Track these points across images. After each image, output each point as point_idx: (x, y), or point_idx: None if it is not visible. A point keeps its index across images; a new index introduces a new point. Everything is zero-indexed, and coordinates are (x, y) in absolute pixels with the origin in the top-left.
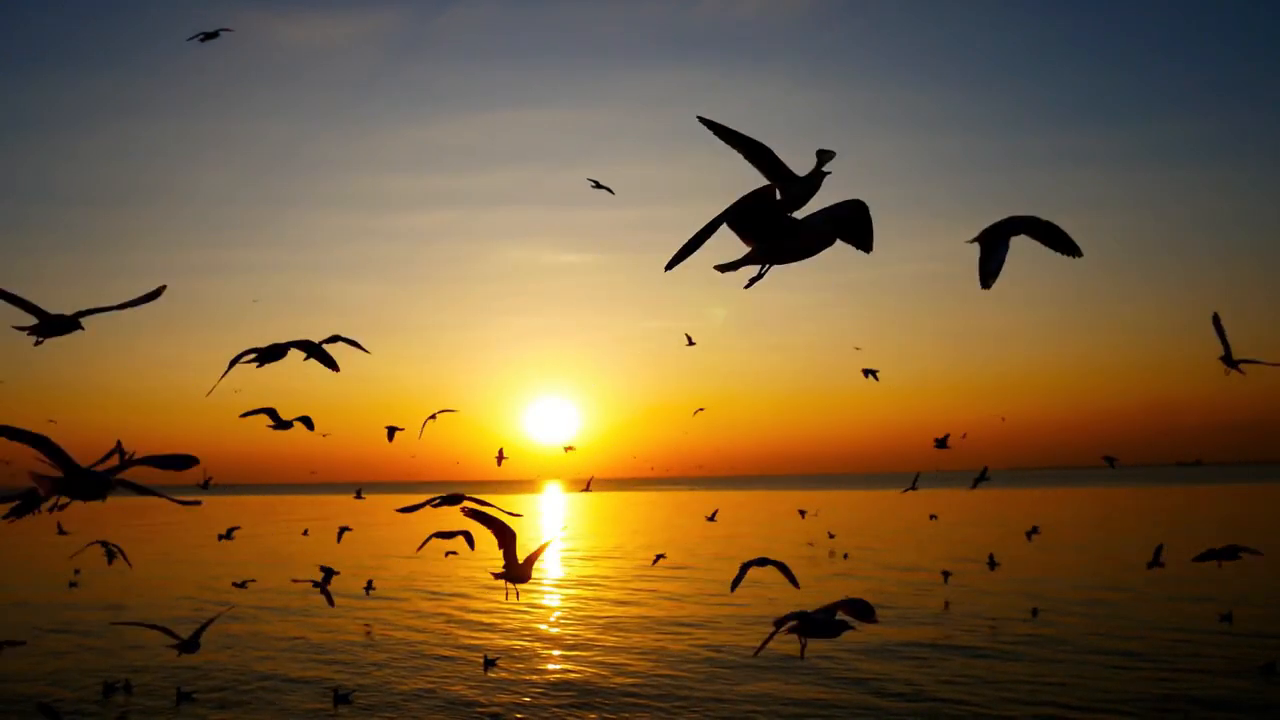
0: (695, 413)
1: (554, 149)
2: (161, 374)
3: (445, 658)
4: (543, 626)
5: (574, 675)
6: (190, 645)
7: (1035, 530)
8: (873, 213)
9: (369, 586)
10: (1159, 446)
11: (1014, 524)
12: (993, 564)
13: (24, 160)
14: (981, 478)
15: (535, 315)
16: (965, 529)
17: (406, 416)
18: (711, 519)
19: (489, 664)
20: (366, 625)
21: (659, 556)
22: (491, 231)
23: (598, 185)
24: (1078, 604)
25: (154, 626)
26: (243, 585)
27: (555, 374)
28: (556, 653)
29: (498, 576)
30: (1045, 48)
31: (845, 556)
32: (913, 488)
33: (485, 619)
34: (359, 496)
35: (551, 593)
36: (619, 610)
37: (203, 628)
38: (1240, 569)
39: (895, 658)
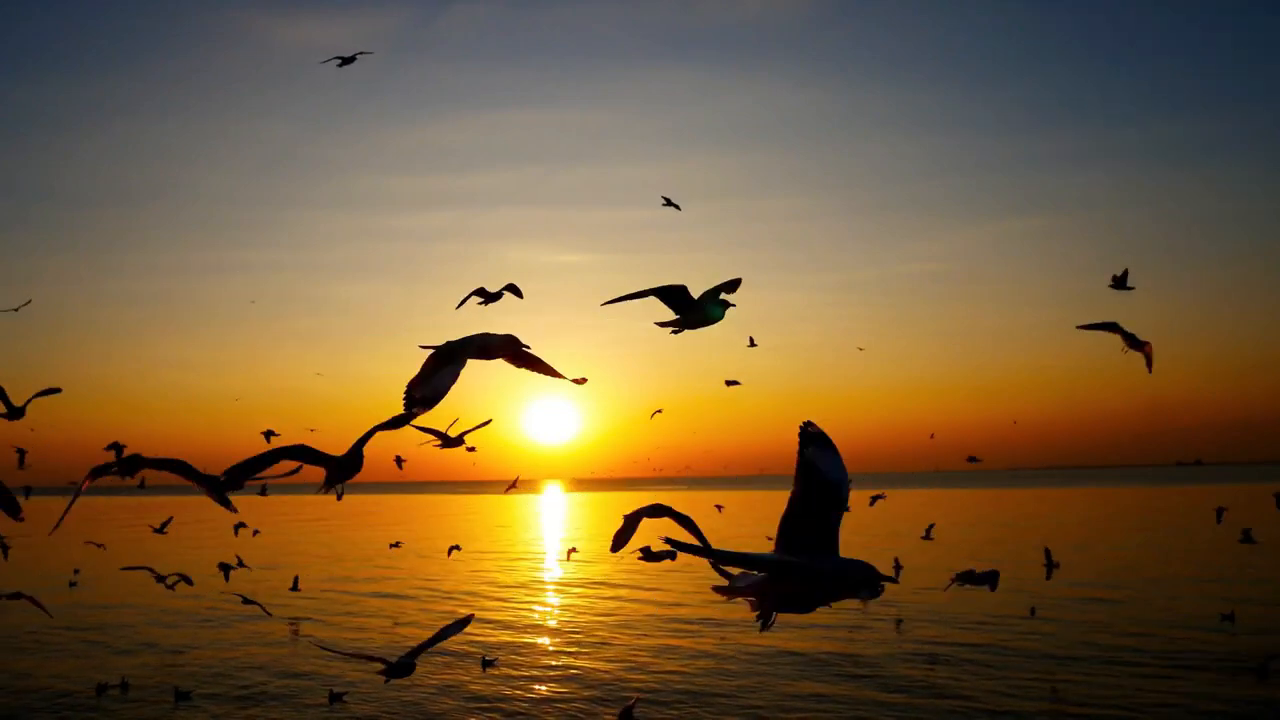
0: (653, 414)
1: (554, 149)
2: (162, 374)
3: (445, 657)
4: (551, 624)
5: (576, 674)
6: (403, 668)
7: (930, 531)
8: (874, 213)
9: (294, 585)
10: (1159, 446)
11: (1014, 524)
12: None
13: (24, 160)
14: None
15: (535, 315)
16: (963, 529)
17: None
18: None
19: (488, 664)
20: (293, 623)
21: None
22: (491, 231)
23: (668, 203)
24: (1076, 603)
25: (364, 656)
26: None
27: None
28: (559, 651)
29: (721, 591)
30: (1045, 48)
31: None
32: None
33: (490, 618)
34: (263, 493)
35: (553, 593)
36: (624, 609)
37: (420, 648)
38: (1243, 568)
39: (895, 655)
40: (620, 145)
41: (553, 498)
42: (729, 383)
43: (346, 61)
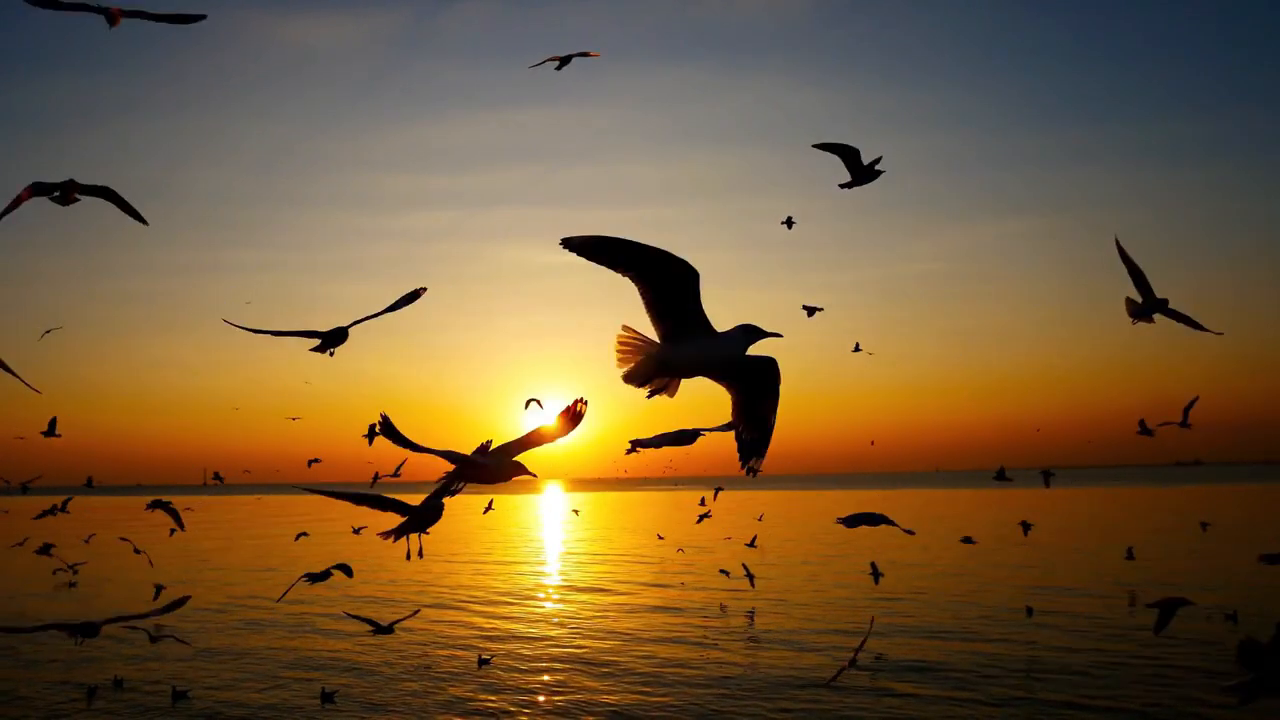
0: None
1: (554, 149)
2: (157, 374)
3: (442, 654)
4: (551, 622)
5: (572, 672)
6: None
7: (754, 541)
8: (877, 213)
9: (158, 590)
10: (1159, 446)
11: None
12: (876, 575)
13: (17, 159)
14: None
15: (535, 315)
16: (963, 530)
17: (406, 417)
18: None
19: (483, 663)
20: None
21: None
22: (490, 231)
23: (789, 222)
24: (1076, 600)
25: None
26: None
27: (555, 374)
28: (555, 650)
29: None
30: (1048, 47)
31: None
32: (719, 490)
33: (488, 619)
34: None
35: (549, 593)
36: (621, 610)
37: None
38: (1246, 567)
39: (895, 659)
40: (620, 145)
41: (550, 497)
42: (529, 401)
43: (564, 62)
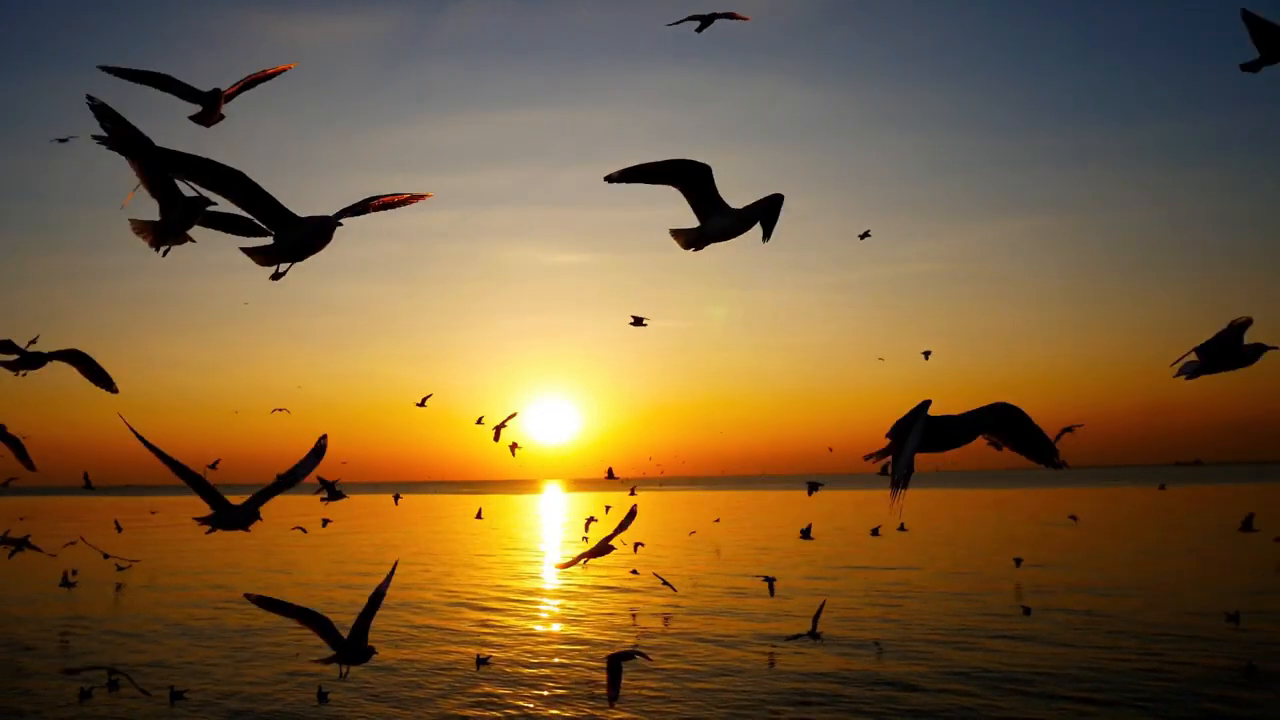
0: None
1: (554, 149)
2: (153, 374)
3: (439, 655)
4: (554, 625)
5: (570, 671)
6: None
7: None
8: (879, 213)
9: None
10: (1159, 446)
11: (1015, 524)
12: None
13: (9, 159)
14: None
15: (535, 315)
16: (968, 528)
17: (405, 415)
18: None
19: (481, 662)
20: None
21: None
22: (491, 231)
23: (865, 235)
24: (1071, 601)
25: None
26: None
27: (555, 374)
28: (553, 651)
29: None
30: (1049, 47)
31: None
32: (634, 489)
33: (487, 619)
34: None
35: (549, 596)
36: (622, 611)
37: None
38: (1247, 567)
39: (895, 657)
40: (620, 145)
41: (550, 497)
42: (420, 402)
43: (706, 23)
